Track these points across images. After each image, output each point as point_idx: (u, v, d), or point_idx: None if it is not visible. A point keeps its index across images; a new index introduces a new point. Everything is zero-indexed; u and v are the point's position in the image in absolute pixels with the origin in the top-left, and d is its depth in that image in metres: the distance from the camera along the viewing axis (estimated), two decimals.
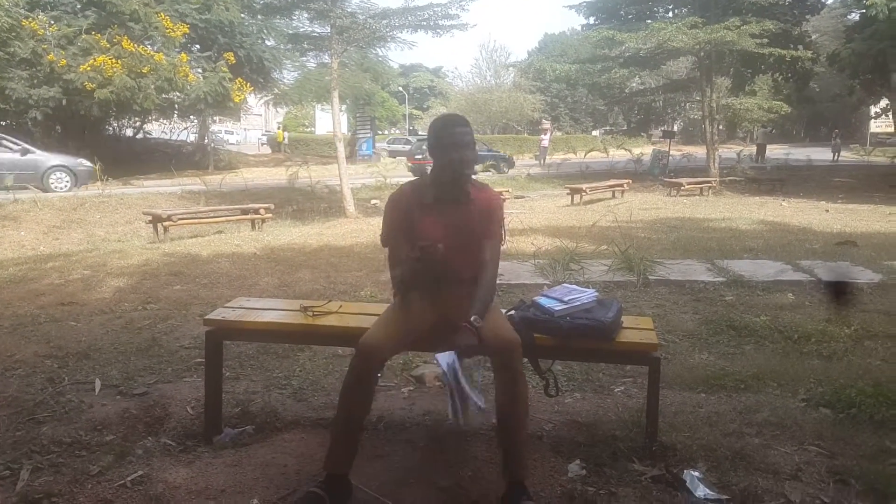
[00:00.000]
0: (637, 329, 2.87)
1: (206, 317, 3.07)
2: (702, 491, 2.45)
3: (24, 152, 17.45)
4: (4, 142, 17.57)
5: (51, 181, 17.30)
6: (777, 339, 4.41)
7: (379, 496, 2.42)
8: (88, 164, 17.62)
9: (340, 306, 3.15)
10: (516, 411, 2.40)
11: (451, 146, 2.60)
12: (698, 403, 3.32)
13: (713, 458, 2.69)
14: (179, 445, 2.93)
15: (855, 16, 26.72)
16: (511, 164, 29.54)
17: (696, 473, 2.54)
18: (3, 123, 22.36)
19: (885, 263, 6.86)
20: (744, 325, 4.65)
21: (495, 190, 2.91)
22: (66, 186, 17.35)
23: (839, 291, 5.56)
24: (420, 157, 23.22)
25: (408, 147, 31.93)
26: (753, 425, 3.04)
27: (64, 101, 19.80)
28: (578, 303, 2.80)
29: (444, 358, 2.40)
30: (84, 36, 20.03)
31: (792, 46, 21.82)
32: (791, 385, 3.56)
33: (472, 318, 2.44)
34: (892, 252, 7.78)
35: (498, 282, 4.94)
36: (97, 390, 3.61)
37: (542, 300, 2.85)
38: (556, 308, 2.76)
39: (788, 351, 4.20)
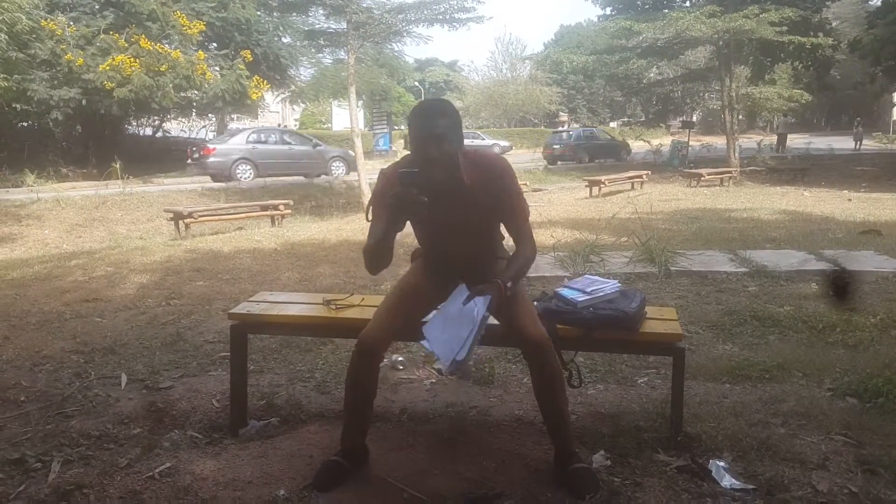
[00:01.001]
0: (661, 320, 2.85)
1: (231, 311, 3.10)
2: (728, 481, 2.44)
3: (315, 146, 22.31)
4: (302, 137, 22.82)
5: (332, 169, 21.84)
6: (801, 329, 4.36)
7: (404, 486, 2.44)
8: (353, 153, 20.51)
9: (362, 299, 3.16)
10: (556, 397, 2.50)
11: (420, 138, 2.44)
12: (723, 394, 3.30)
13: (739, 448, 2.68)
14: (206, 438, 2.96)
15: (877, 1, 26.34)
16: (629, 151, 29.95)
17: (722, 463, 2.53)
18: (26, 124, 22.64)
19: None
20: (767, 315, 4.61)
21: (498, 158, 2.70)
22: (343, 172, 21.76)
23: (844, 286, 5.43)
24: None
25: None
26: (779, 415, 3.02)
27: (84, 102, 19.99)
28: (601, 293, 2.79)
29: (461, 305, 2.43)
30: (102, 36, 20.19)
31: (812, 34, 21.53)
32: (816, 375, 3.53)
33: (504, 281, 2.41)
34: None
35: None
36: (123, 384, 3.65)
37: (565, 291, 2.84)
38: (579, 299, 2.75)
39: (813, 341, 4.16)
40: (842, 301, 4.97)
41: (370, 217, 2.56)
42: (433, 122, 2.43)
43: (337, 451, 2.58)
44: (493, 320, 2.48)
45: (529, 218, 2.67)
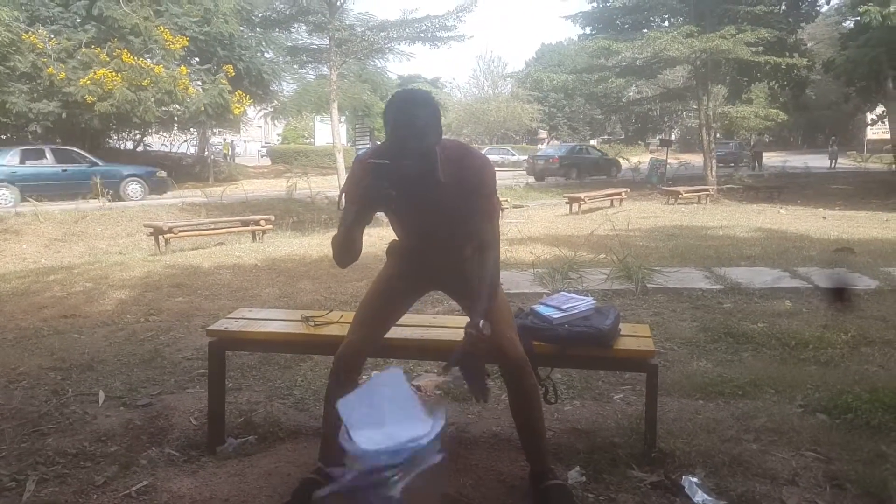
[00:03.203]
0: (635, 336, 2.90)
1: (209, 328, 3.11)
2: (700, 496, 2.48)
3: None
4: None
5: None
6: (774, 346, 4.44)
7: None
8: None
9: (341, 316, 3.18)
10: (532, 415, 2.53)
11: (397, 130, 2.33)
12: (696, 410, 3.35)
13: (711, 464, 2.72)
14: (183, 455, 2.96)
15: (850, 23, 26.92)
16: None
17: (695, 479, 2.57)
18: (4, 137, 22.47)
19: (882, 270, 6.91)
20: (741, 332, 4.69)
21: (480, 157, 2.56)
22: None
23: (837, 297, 5.57)
24: None
25: None
26: (751, 431, 3.07)
27: (64, 115, 19.92)
28: (577, 310, 2.83)
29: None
30: (84, 49, 20.17)
31: (787, 54, 21.97)
32: (788, 391, 3.59)
33: (478, 324, 2.28)
34: (889, 258, 7.82)
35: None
36: (101, 402, 3.64)
37: (541, 308, 2.88)
38: (555, 316, 2.80)
39: (786, 357, 4.24)
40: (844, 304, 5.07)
41: (342, 206, 2.50)
42: (411, 113, 2.32)
43: (314, 467, 2.58)
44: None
45: (498, 221, 2.55)
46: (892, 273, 6.70)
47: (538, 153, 30.78)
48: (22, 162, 18.23)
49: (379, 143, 2.58)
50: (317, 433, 3.12)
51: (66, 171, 18.41)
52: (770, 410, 3.31)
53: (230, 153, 39.73)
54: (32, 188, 17.22)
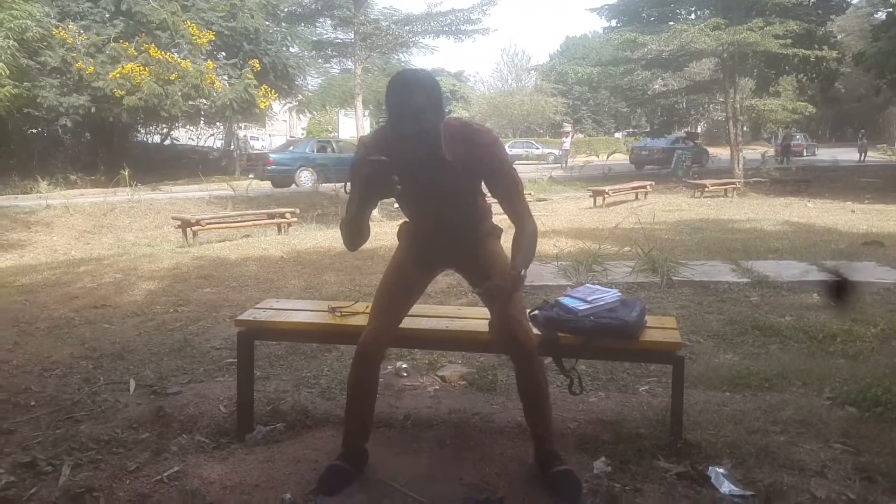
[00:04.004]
0: (661, 328, 2.90)
1: (238, 318, 3.16)
2: (727, 487, 2.47)
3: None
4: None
5: None
6: (802, 339, 4.40)
7: (407, 491, 2.48)
8: None
9: (367, 307, 3.19)
10: (540, 400, 2.59)
11: (396, 114, 2.33)
12: (723, 402, 3.34)
13: (738, 456, 2.72)
14: (213, 442, 3.01)
15: (882, 14, 26.34)
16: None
17: (721, 470, 2.57)
18: (35, 131, 22.85)
19: None
20: (768, 325, 4.65)
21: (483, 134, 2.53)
22: None
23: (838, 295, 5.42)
24: None
25: None
26: (778, 423, 3.05)
27: (93, 109, 20.21)
28: (602, 302, 2.83)
29: None
30: (112, 44, 20.43)
31: (816, 47, 21.58)
32: (816, 384, 3.56)
33: (519, 270, 2.36)
34: None
35: None
36: (132, 390, 3.71)
37: (566, 300, 2.88)
38: (580, 308, 2.80)
39: (814, 350, 4.20)
40: (843, 306, 4.98)
41: (348, 190, 2.52)
42: (410, 96, 2.30)
43: (339, 454, 2.62)
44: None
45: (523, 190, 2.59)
46: None
47: (640, 144, 31.06)
48: (316, 151, 22.70)
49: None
50: (343, 421, 3.16)
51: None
52: (798, 403, 3.29)
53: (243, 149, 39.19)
54: (321, 171, 21.35)
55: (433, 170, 2.44)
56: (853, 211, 13.39)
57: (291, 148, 23.43)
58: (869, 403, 3.21)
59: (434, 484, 2.54)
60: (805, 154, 34.87)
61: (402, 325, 2.97)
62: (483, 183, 2.58)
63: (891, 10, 20.68)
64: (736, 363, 3.96)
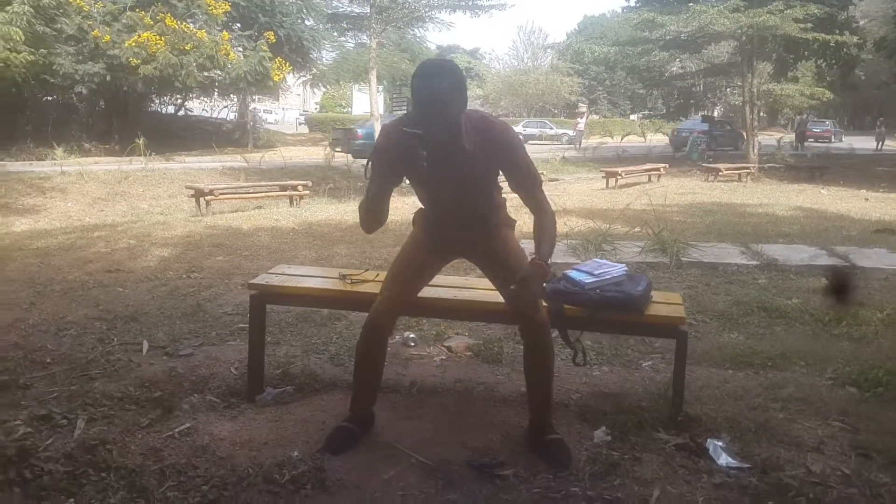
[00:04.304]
0: (666, 304, 2.94)
1: (251, 282, 3.22)
2: (724, 459, 2.52)
3: None
4: None
5: None
6: (807, 322, 4.43)
7: (411, 452, 2.55)
8: None
9: (377, 275, 3.26)
10: (545, 372, 2.66)
11: (422, 101, 2.40)
12: (725, 379, 3.38)
13: (737, 430, 2.76)
14: (224, 402, 3.09)
15: None
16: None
17: (720, 443, 2.62)
18: (50, 98, 22.94)
19: None
20: (775, 307, 4.67)
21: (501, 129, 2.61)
22: None
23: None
24: None
25: None
26: (778, 400, 3.10)
27: (108, 77, 20.23)
28: (609, 276, 2.87)
29: None
30: (129, 13, 20.40)
31: (837, 32, 21.34)
32: (819, 364, 3.60)
33: (546, 260, 2.47)
34: None
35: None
36: (144, 351, 3.79)
37: (573, 273, 2.92)
38: (587, 281, 2.84)
39: (818, 332, 4.23)
40: (845, 298, 4.96)
41: (368, 174, 2.57)
42: (436, 84, 2.37)
43: (346, 416, 2.71)
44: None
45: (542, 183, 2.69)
46: None
47: (682, 127, 31.22)
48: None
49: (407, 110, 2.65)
50: (351, 386, 3.23)
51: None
52: (799, 382, 3.33)
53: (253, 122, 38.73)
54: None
55: (453, 158, 2.49)
56: (867, 199, 13.32)
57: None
58: (870, 384, 3.25)
59: (437, 447, 2.60)
60: (833, 140, 34.79)
61: None
62: (501, 174, 2.63)
63: None
64: (740, 342, 4.00)
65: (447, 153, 2.47)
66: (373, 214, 2.59)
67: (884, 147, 33.06)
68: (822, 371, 3.51)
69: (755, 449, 2.62)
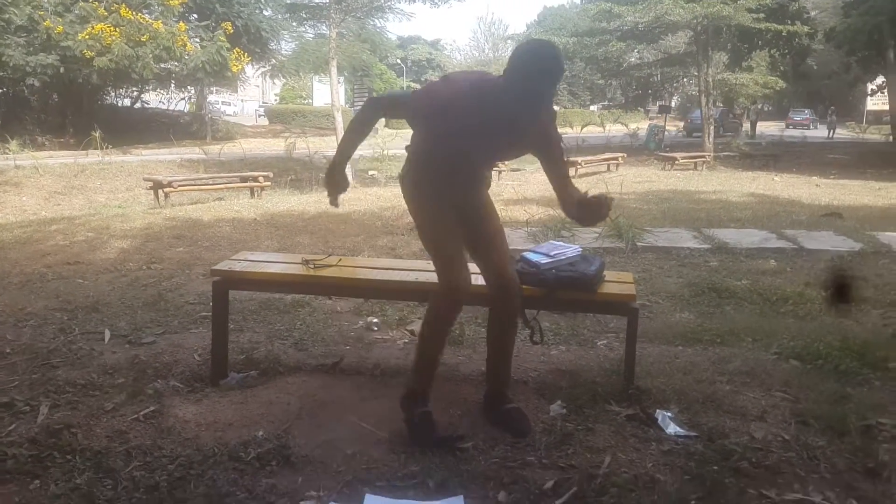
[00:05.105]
0: (618, 282, 3.06)
1: (214, 268, 3.26)
2: (672, 428, 2.65)
3: None
4: None
5: None
6: (756, 301, 4.61)
7: (375, 430, 2.63)
8: None
9: (339, 260, 3.33)
10: (508, 341, 2.77)
11: (522, 70, 2.32)
12: (675, 355, 3.53)
13: (685, 401, 2.90)
14: (188, 387, 3.12)
15: None
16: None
17: (668, 413, 2.75)
18: (1, 91, 22.37)
19: (867, 234, 7.08)
20: (725, 287, 4.85)
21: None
22: None
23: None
24: None
25: None
26: (725, 374, 3.25)
27: (62, 69, 19.80)
28: (564, 257, 2.98)
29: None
30: (82, 3, 19.97)
31: (789, 22, 21.86)
32: (765, 340, 3.77)
33: (591, 196, 2.49)
34: (875, 223, 7.99)
35: None
36: (107, 339, 3.80)
37: (530, 255, 3.03)
38: (543, 262, 2.94)
39: (766, 311, 4.41)
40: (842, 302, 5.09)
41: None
42: (557, 78, 2.38)
43: (419, 401, 2.62)
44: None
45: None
46: (876, 237, 6.87)
47: (694, 115, 32.53)
48: None
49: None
50: (315, 369, 3.31)
51: None
52: (745, 356, 3.49)
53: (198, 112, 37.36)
54: None
55: (502, 129, 2.47)
56: (818, 185, 13.75)
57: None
58: (811, 357, 3.42)
59: (400, 424, 2.68)
60: (811, 127, 36.50)
61: (372, 278, 3.12)
62: (539, 154, 2.64)
63: None
64: (691, 321, 4.16)
65: (502, 124, 2.45)
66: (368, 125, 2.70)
67: (835, 135, 33.99)
68: (768, 346, 3.68)
69: (702, 419, 2.76)
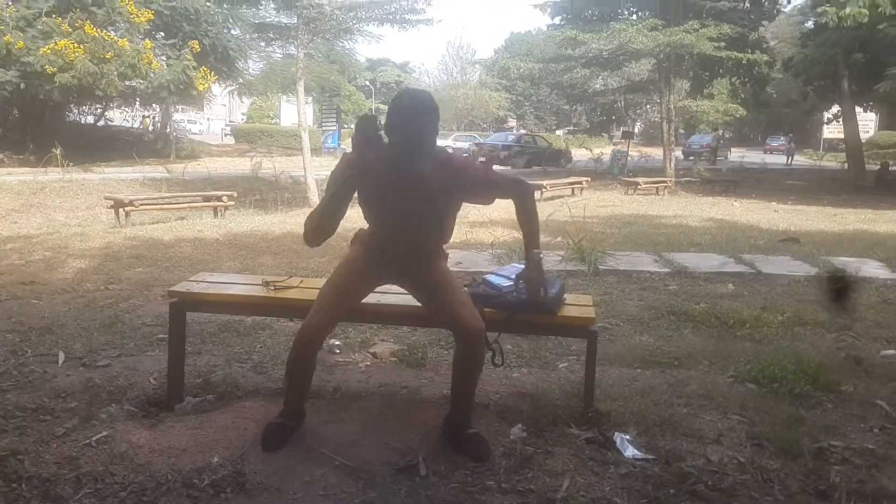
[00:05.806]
0: (578, 305, 3.08)
1: (171, 289, 3.21)
2: (630, 451, 2.67)
3: None
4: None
5: None
6: (714, 324, 4.68)
7: (333, 455, 2.60)
8: None
9: (301, 281, 3.31)
10: (473, 376, 2.75)
11: (403, 134, 2.55)
12: (634, 378, 3.56)
13: (643, 424, 2.92)
14: (142, 411, 3.06)
15: (810, 23, 27.53)
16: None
17: (627, 436, 2.77)
18: None
19: (823, 258, 7.24)
20: (683, 311, 4.92)
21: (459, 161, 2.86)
22: None
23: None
24: None
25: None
26: (683, 396, 3.29)
27: (22, 85, 19.43)
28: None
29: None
30: (44, 19, 19.68)
31: (749, 50, 22.40)
32: (721, 363, 3.82)
33: (538, 251, 2.79)
34: (831, 248, 8.19)
35: (456, 269, 5.13)
36: (60, 362, 3.70)
37: (492, 277, 3.05)
38: (504, 284, 2.96)
39: (723, 335, 4.48)
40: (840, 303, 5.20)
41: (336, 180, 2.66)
42: (418, 118, 2.56)
43: (279, 413, 2.77)
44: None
45: (501, 179, 2.88)
46: (831, 261, 7.02)
47: (691, 140, 33.69)
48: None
49: (339, 128, 2.76)
50: (275, 393, 3.26)
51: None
52: (702, 379, 3.53)
53: (149, 128, 37.07)
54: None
55: (416, 187, 2.60)
56: (776, 210, 14.05)
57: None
58: (767, 380, 3.47)
59: (360, 449, 2.66)
60: (785, 153, 37.87)
61: None
62: (471, 199, 2.83)
63: (818, 19, 21.59)
64: (650, 344, 4.20)
65: (412, 181, 2.58)
66: (327, 218, 2.67)
67: (793, 162, 34.87)
68: (725, 369, 3.73)
69: (660, 441, 2.79)
